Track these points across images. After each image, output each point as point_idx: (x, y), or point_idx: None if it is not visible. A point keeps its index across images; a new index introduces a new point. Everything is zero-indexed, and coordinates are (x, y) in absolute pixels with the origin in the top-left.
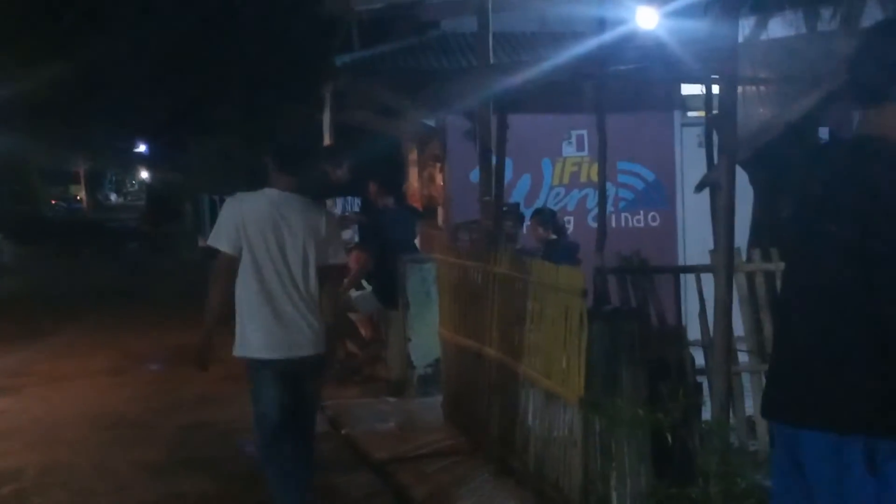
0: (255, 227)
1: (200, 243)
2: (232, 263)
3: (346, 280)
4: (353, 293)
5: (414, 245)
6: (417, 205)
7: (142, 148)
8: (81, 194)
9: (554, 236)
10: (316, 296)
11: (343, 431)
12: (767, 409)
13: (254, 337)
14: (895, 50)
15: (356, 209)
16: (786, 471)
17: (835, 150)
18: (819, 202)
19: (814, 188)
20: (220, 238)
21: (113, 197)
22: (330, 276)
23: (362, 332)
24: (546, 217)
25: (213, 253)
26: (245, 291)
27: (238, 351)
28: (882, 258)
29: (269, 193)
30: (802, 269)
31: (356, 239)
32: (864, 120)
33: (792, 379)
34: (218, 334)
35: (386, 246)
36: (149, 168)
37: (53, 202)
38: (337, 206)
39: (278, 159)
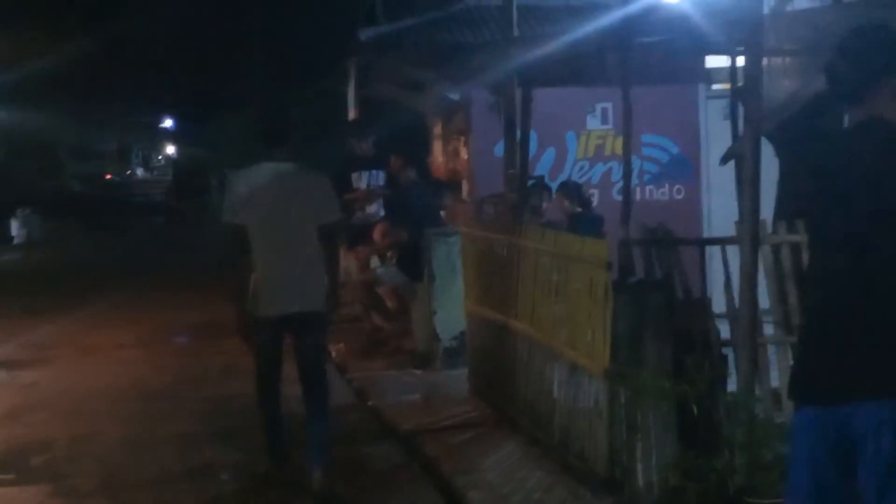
0: (253, 197)
1: None
2: (245, 233)
3: (369, 249)
4: (379, 268)
5: (439, 218)
6: (442, 178)
7: (168, 123)
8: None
9: (579, 209)
10: (314, 255)
11: (369, 403)
12: (806, 395)
13: (257, 296)
14: (869, 53)
15: (381, 183)
16: (818, 460)
17: (852, 131)
18: (848, 180)
19: (838, 166)
20: (232, 212)
21: (139, 172)
22: (328, 234)
23: (388, 304)
24: (571, 190)
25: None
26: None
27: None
28: None
29: (265, 165)
30: (835, 246)
31: (381, 213)
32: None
33: (834, 357)
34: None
35: (411, 219)
36: (175, 143)
37: (109, 177)
38: (362, 179)
39: (266, 133)
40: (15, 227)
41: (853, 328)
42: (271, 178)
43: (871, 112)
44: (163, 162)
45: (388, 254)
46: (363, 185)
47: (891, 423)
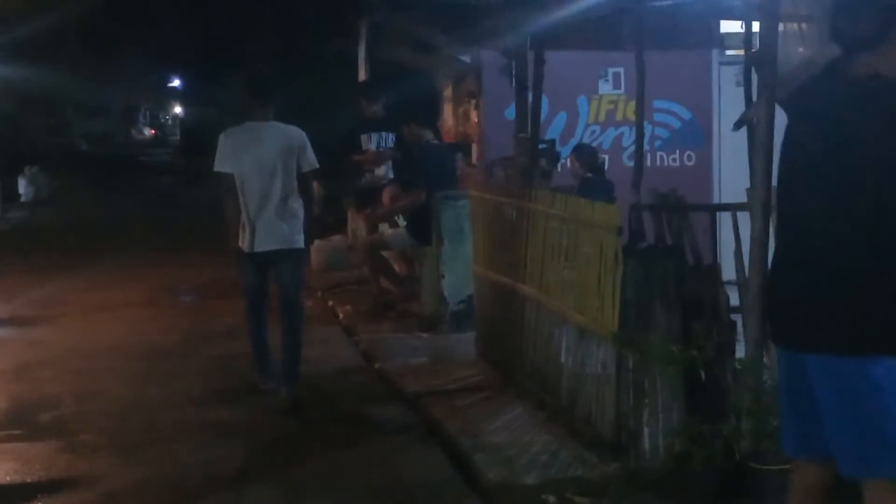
0: (240, 151)
1: None
2: (233, 181)
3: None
4: (388, 230)
5: (455, 180)
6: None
7: (175, 83)
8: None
9: (589, 175)
10: (293, 200)
11: (376, 365)
12: (774, 336)
13: (242, 234)
14: None
15: (390, 145)
16: (793, 388)
17: (833, 83)
18: (823, 133)
19: (817, 119)
20: (221, 163)
21: (146, 131)
22: (306, 181)
23: (396, 268)
24: (585, 153)
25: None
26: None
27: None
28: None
29: (249, 124)
30: (804, 197)
31: (391, 175)
32: (856, 62)
33: (793, 306)
34: None
35: (424, 181)
36: (182, 103)
37: (153, 131)
38: (371, 141)
39: (250, 94)
40: (22, 185)
41: (798, 277)
42: (254, 135)
43: (876, 65)
44: (170, 122)
45: (397, 216)
46: (372, 146)
47: (834, 379)
